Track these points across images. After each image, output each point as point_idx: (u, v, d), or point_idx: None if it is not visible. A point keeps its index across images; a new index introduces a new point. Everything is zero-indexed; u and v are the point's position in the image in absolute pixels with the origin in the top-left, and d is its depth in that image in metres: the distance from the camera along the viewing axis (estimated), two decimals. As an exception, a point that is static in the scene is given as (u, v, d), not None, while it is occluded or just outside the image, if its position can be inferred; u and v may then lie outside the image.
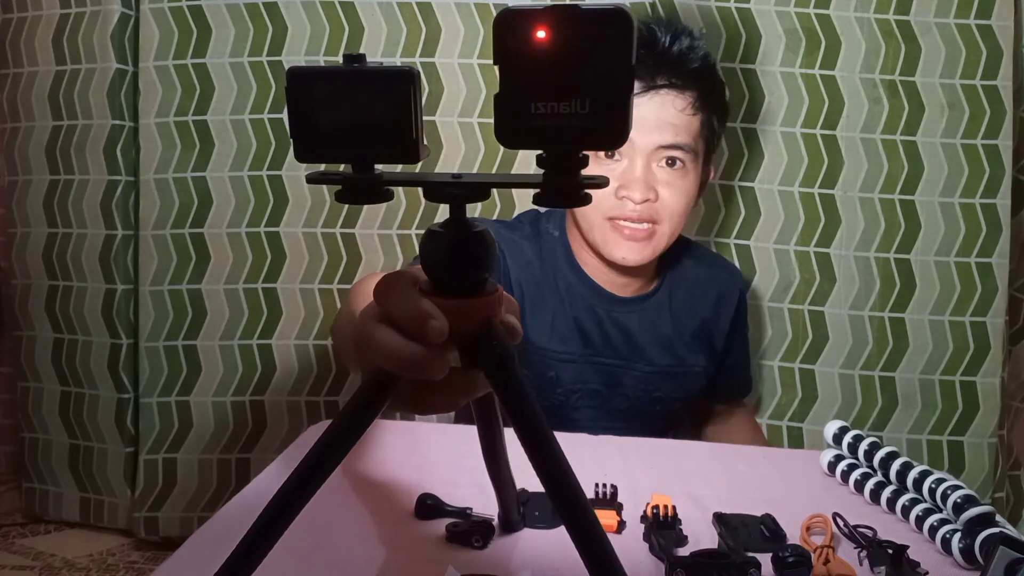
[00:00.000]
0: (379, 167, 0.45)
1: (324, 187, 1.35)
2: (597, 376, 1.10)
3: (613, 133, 0.41)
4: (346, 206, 1.45)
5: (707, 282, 1.16)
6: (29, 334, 1.61)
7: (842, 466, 0.85)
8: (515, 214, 1.39)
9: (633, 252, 1.02)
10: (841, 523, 0.71)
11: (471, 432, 0.59)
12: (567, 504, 0.45)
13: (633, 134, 0.90)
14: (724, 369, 1.20)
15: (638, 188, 0.99)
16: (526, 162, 1.38)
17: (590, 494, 0.73)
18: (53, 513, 1.63)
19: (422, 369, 0.43)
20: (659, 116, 0.99)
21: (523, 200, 1.43)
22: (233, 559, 0.46)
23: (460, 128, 1.42)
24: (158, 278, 1.49)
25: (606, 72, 0.40)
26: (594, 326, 1.10)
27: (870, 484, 0.80)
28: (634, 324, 1.11)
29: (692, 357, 1.14)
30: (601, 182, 0.44)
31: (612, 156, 1.01)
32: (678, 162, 1.01)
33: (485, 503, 0.69)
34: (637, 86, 0.97)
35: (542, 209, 1.22)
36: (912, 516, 0.73)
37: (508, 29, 0.39)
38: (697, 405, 1.25)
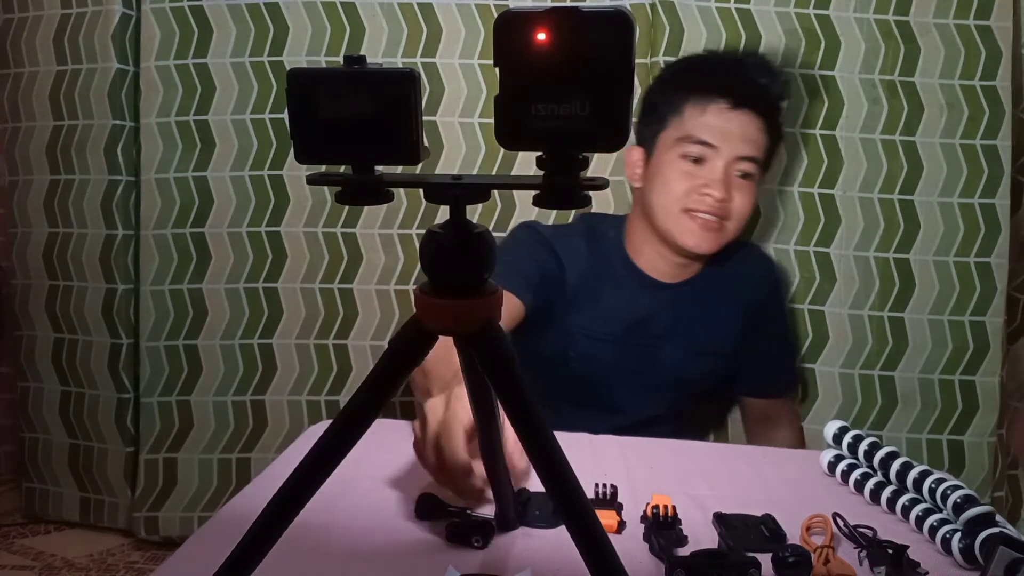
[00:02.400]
0: (379, 168, 0.45)
1: (325, 187, 1.35)
2: (635, 355, 1.21)
3: (613, 135, 0.41)
4: (347, 206, 1.45)
5: (738, 268, 1.26)
6: (29, 334, 1.61)
7: (842, 466, 0.85)
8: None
9: (705, 240, 1.15)
10: (841, 523, 0.71)
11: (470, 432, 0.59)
12: (567, 503, 0.45)
13: (721, 142, 1.11)
14: (756, 359, 1.28)
15: (719, 188, 1.13)
16: (527, 163, 1.38)
17: (590, 494, 0.73)
18: (53, 513, 1.63)
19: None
20: (743, 131, 1.14)
21: (523, 201, 1.43)
22: (233, 559, 0.46)
23: (461, 128, 1.42)
24: (159, 278, 1.49)
25: (606, 74, 0.40)
26: (638, 310, 1.21)
27: (870, 484, 0.80)
28: (674, 306, 1.22)
29: (725, 337, 1.24)
30: (600, 184, 0.44)
31: (701, 163, 1.14)
32: (749, 175, 1.16)
33: (485, 503, 0.69)
34: (728, 101, 1.13)
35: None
36: (912, 516, 0.73)
37: (509, 31, 0.40)
38: (729, 393, 1.34)
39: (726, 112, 1.13)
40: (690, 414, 1.30)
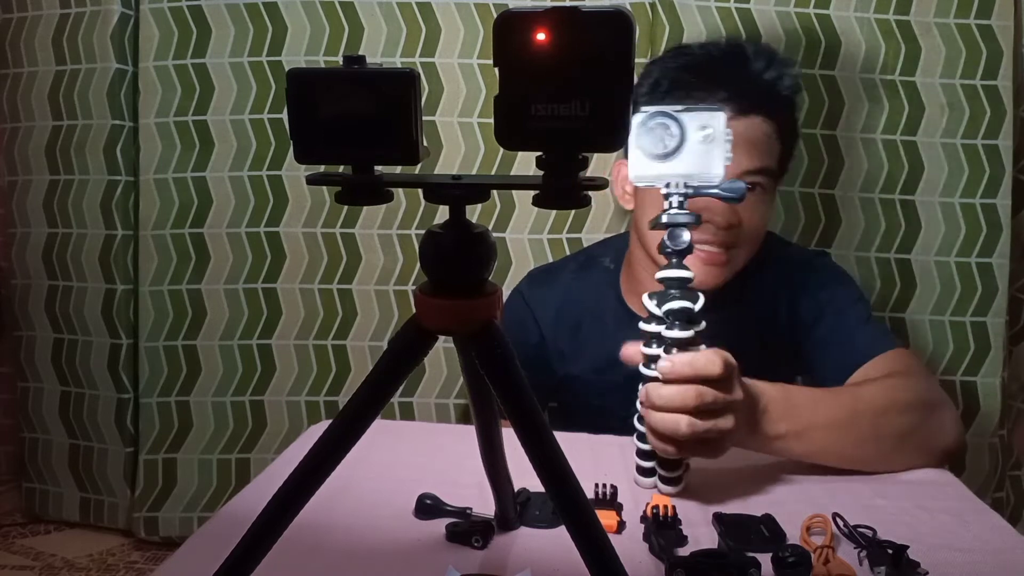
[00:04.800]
0: (379, 168, 0.45)
1: (324, 187, 1.35)
2: None
3: (613, 135, 0.41)
4: (346, 206, 1.45)
5: (763, 283, 1.05)
6: (29, 334, 1.61)
7: None
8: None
9: (711, 276, 0.95)
10: (841, 523, 0.71)
11: (471, 432, 0.59)
12: (567, 503, 0.45)
13: None
14: (831, 347, 1.02)
15: (723, 214, 0.93)
16: (526, 162, 1.38)
17: (590, 494, 0.72)
18: (53, 513, 1.64)
19: None
20: (750, 141, 0.94)
21: (523, 201, 1.43)
22: (233, 559, 0.46)
23: (460, 128, 1.42)
24: (158, 278, 1.49)
25: (606, 74, 0.40)
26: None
27: None
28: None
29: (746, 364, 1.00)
30: (600, 184, 0.44)
31: None
32: (759, 187, 0.96)
33: (485, 503, 0.69)
34: (730, 108, 0.93)
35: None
36: None
37: (508, 31, 0.39)
38: None
39: (728, 121, 0.92)
40: None
